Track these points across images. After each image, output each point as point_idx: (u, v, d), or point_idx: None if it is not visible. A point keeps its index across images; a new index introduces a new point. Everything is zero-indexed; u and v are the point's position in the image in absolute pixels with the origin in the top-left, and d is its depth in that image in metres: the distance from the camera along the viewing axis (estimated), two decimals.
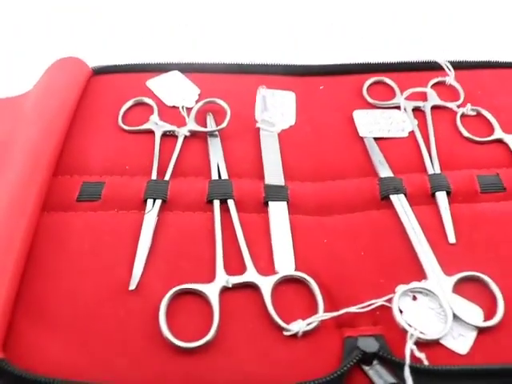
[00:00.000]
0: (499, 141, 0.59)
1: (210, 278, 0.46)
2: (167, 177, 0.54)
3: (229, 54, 0.67)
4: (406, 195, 0.53)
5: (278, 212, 0.52)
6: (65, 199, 0.52)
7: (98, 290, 0.46)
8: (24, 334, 0.43)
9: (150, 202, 0.51)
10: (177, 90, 0.63)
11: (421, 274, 0.47)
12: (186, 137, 0.58)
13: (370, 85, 0.65)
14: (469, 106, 0.62)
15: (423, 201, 0.53)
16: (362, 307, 0.45)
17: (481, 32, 0.77)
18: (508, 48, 0.71)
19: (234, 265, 0.47)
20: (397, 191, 0.53)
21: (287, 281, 0.47)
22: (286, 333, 0.44)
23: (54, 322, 0.44)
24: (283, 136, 0.59)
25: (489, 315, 0.45)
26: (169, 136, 0.58)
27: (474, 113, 0.62)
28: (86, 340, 0.43)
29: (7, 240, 0.46)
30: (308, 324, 0.44)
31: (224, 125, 0.58)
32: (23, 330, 0.43)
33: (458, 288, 0.46)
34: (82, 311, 0.44)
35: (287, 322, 0.44)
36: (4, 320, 0.42)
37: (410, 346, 0.42)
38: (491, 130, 0.60)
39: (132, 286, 0.46)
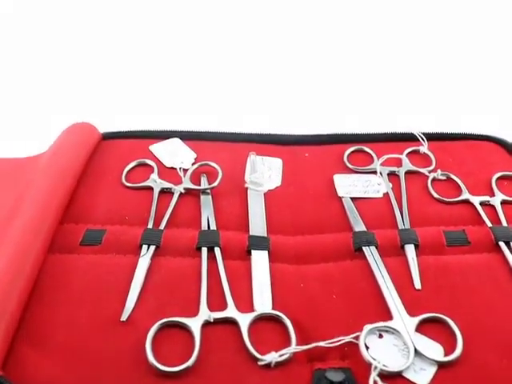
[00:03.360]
0: (466, 201, 0.64)
1: (194, 312, 0.51)
2: (162, 226, 0.60)
3: (224, 123, 0.75)
4: (377, 247, 0.58)
5: (260, 259, 0.57)
6: (69, 243, 0.58)
7: (92, 320, 0.51)
8: (22, 356, 0.48)
9: (144, 247, 0.57)
10: (176, 154, 0.70)
11: (387, 315, 0.51)
12: (181, 193, 0.64)
13: (351, 153, 0.71)
14: (439, 171, 0.67)
15: (393, 252, 0.58)
16: (332, 342, 0.49)
17: (454, 105, 0.84)
18: (477, 121, 0.77)
19: (217, 302, 0.52)
20: (369, 243, 0.58)
21: (264, 318, 0.51)
22: (260, 362, 0.48)
23: (50, 346, 0.49)
24: (269, 195, 0.65)
25: (449, 352, 0.48)
26: (166, 192, 0.65)
27: (444, 177, 0.67)
28: (79, 363, 0.47)
29: (14, 275, 0.51)
30: (281, 355, 0.48)
31: (215, 184, 0.65)
32: (22, 352, 0.48)
33: (421, 328, 0.50)
34: (77, 337, 0.49)
35: (262, 354, 0.48)
36: (5, 342, 0.47)
37: (373, 376, 0.46)
38: (459, 192, 0.65)
39: (123, 318, 0.51)
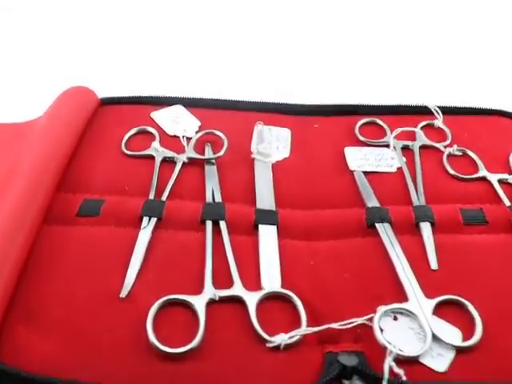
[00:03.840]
0: (483, 179, 0.61)
1: (198, 290, 0.48)
2: (164, 197, 0.57)
3: (229, 91, 0.71)
4: (391, 224, 0.55)
5: (268, 235, 0.54)
6: (65, 214, 0.55)
7: (90, 296, 0.48)
8: (15, 334, 0.44)
9: (145, 219, 0.54)
10: (179, 122, 0.66)
11: (402, 297, 0.49)
12: (184, 163, 0.61)
13: (362, 125, 0.68)
14: (455, 146, 0.64)
15: (407, 230, 0.55)
16: (344, 324, 0.46)
17: (472, 79, 0.80)
18: (494, 96, 0.74)
19: (222, 279, 0.49)
20: (382, 220, 0.55)
21: (272, 297, 0.49)
22: (268, 344, 0.45)
23: (45, 324, 0.45)
24: (277, 167, 0.62)
25: (467, 336, 0.46)
26: (168, 162, 0.61)
27: (460, 153, 0.64)
28: (76, 341, 0.45)
29: (5, 246, 0.48)
30: (290, 337, 0.45)
31: (221, 153, 0.61)
32: (14, 330, 0.45)
33: (438, 310, 0.48)
34: (73, 314, 0.46)
35: (270, 335, 0.45)
36: None
37: (389, 361, 0.43)
38: (475, 168, 0.62)
39: (123, 294, 0.48)
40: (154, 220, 0.54)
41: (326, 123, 0.69)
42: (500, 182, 0.61)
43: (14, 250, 0.48)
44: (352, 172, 0.62)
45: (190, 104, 0.70)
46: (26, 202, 0.52)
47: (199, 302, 0.47)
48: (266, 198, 0.57)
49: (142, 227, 0.53)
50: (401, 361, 0.44)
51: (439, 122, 0.68)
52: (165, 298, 0.47)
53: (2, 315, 0.45)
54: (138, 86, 0.72)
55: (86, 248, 0.52)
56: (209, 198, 0.57)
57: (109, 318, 0.46)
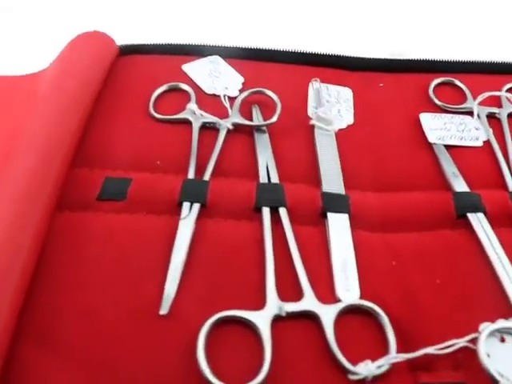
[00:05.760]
0: None
1: (259, 303, 0.38)
2: (207, 176, 0.46)
3: (277, 40, 0.59)
4: (485, 214, 0.45)
5: (339, 225, 0.43)
6: (83, 197, 0.44)
7: (119, 311, 0.37)
8: (27, 360, 0.35)
9: (186, 205, 0.43)
10: (218, 77, 0.54)
11: (507, 310, 0.39)
12: (228, 130, 0.49)
13: (437, 85, 0.57)
14: None
15: (505, 222, 0.45)
16: (442, 348, 0.37)
17: None
18: None
19: (288, 289, 0.39)
20: (475, 209, 0.45)
21: (352, 311, 0.39)
22: (352, 377, 0.36)
23: (63, 347, 0.36)
24: (341, 136, 0.51)
25: None
26: (208, 128, 0.50)
27: None
28: (103, 373, 0.35)
29: (14, 246, 0.37)
30: (379, 367, 0.36)
31: (274, 119, 0.50)
32: (26, 355, 0.35)
33: None
34: (99, 336, 0.36)
35: (353, 363, 0.36)
36: (3, 342, 0.34)
37: None
38: None
39: (164, 311, 0.37)
40: (196, 206, 0.43)
41: (394, 82, 0.57)
42: None
43: (24, 247, 0.38)
44: (429, 145, 0.51)
45: (230, 55, 0.57)
46: (36, 183, 0.41)
47: (262, 320, 0.37)
48: (333, 178, 0.46)
49: (182, 216, 0.42)
50: None
51: None
52: (218, 316, 0.37)
53: (10, 336, 0.34)
54: (164, 31, 0.59)
55: (112, 244, 0.41)
56: (263, 177, 0.46)
57: (145, 342, 0.36)
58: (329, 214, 0.44)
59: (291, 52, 0.58)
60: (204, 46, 0.57)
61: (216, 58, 0.57)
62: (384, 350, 0.37)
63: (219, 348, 0.36)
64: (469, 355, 0.37)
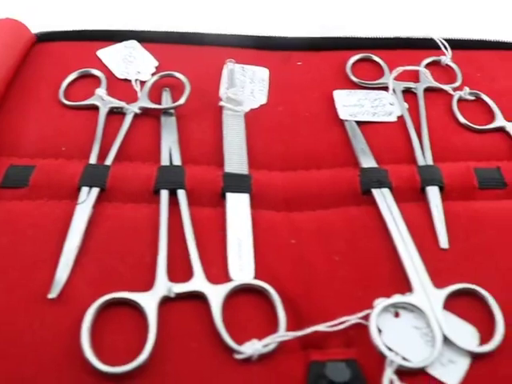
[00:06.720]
0: (500, 129, 0.51)
1: (150, 285, 0.38)
2: (109, 161, 0.45)
3: (195, 22, 0.58)
4: (391, 189, 0.45)
5: (238, 206, 0.43)
6: None
7: (9, 296, 0.37)
8: None
9: (84, 190, 0.43)
10: (131, 61, 0.54)
11: (405, 286, 0.40)
12: (136, 115, 0.49)
13: (355, 62, 0.57)
14: (467, 89, 0.54)
15: (411, 197, 0.45)
16: (333, 325, 0.37)
17: (482, 9, 0.68)
18: (510, 27, 0.62)
19: (180, 270, 0.39)
20: (380, 184, 0.45)
21: (243, 290, 0.39)
22: (237, 356, 0.36)
23: None
24: (251, 117, 0.51)
25: (485, 337, 0.37)
26: (117, 114, 0.50)
27: (473, 97, 0.54)
28: None
29: None
30: (265, 345, 0.36)
31: (181, 101, 0.49)
32: None
33: (450, 303, 0.38)
34: None
35: (240, 343, 0.36)
36: None
37: (388, 375, 0.35)
38: (491, 117, 0.52)
39: (53, 294, 0.37)
40: (95, 191, 0.43)
41: (312, 60, 0.57)
42: None
43: None
44: (343, 122, 0.51)
45: (146, 39, 0.57)
46: None
47: (149, 301, 0.37)
48: (236, 158, 0.46)
49: (79, 201, 0.42)
50: (404, 372, 0.35)
51: (447, 58, 0.57)
52: (105, 298, 0.37)
53: None
54: (81, 18, 0.59)
55: (10, 229, 0.41)
56: (165, 160, 0.46)
57: (33, 325, 0.36)
58: (228, 195, 0.44)
59: (207, 34, 0.57)
60: (121, 31, 0.57)
61: (132, 43, 0.56)
62: (274, 330, 0.37)
63: (105, 330, 0.36)
64: (362, 332, 0.37)
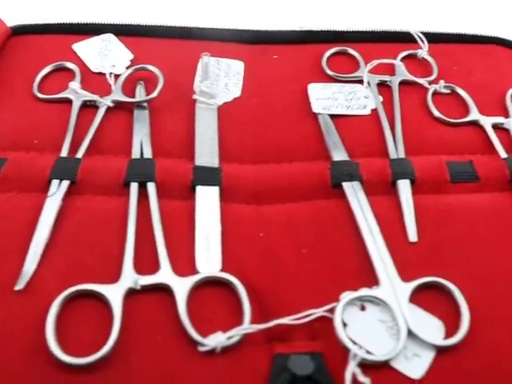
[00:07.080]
0: (474, 123, 0.51)
1: (116, 277, 0.38)
2: (80, 154, 0.45)
3: (173, 16, 0.58)
4: (361, 183, 0.45)
5: (207, 199, 0.43)
6: None
7: None
8: None
9: (55, 182, 0.43)
10: (107, 55, 0.54)
11: (372, 279, 0.40)
12: (109, 108, 0.49)
13: (331, 55, 0.57)
14: (442, 82, 0.54)
15: (382, 190, 0.46)
16: (298, 318, 0.37)
17: (460, 3, 0.68)
18: (487, 21, 0.62)
19: (147, 262, 0.39)
20: (351, 178, 0.45)
21: (209, 283, 0.39)
22: (201, 348, 0.36)
23: None
24: (224, 110, 0.51)
25: (450, 331, 0.37)
26: (90, 107, 0.50)
27: (448, 91, 0.54)
28: None
29: None
30: (229, 338, 0.36)
31: (154, 94, 0.49)
32: None
33: (417, 297, 0.39)
34: None
35: (205, 335, 0.36)
36: None
37: (352, 368, 0.35)
38: (466, 110, 0.52)
39: (19, 286, 0.37)
40: (65, 183, 0.43)
41: (288, 53, 0.57)
42: (494, 127, 0.51)
43: None
44: (316, 115, 0.51)
45: (122, 32, 0.57)
46: None
47: (115, 293, 0.37)
48: (207, 151, 0.46)
49: (49, 194, 0.42)
50: (368, 365, 0.35)
51: (424, 51, 0.57)
52: (71, 290, 0.37)
53: None
54: (57, 11, 0.58)
55: None
56: (136, 153, 0.46)
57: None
58: (197, 188, 0.44)
59: (183, 27, 0.57)
60: (97, 24, 0.57)
61: (108, 37, 0.56)
62: (239, 322, 0.37)
63: (71, 322, 0.36)
64: (328, 325, 0.37)
